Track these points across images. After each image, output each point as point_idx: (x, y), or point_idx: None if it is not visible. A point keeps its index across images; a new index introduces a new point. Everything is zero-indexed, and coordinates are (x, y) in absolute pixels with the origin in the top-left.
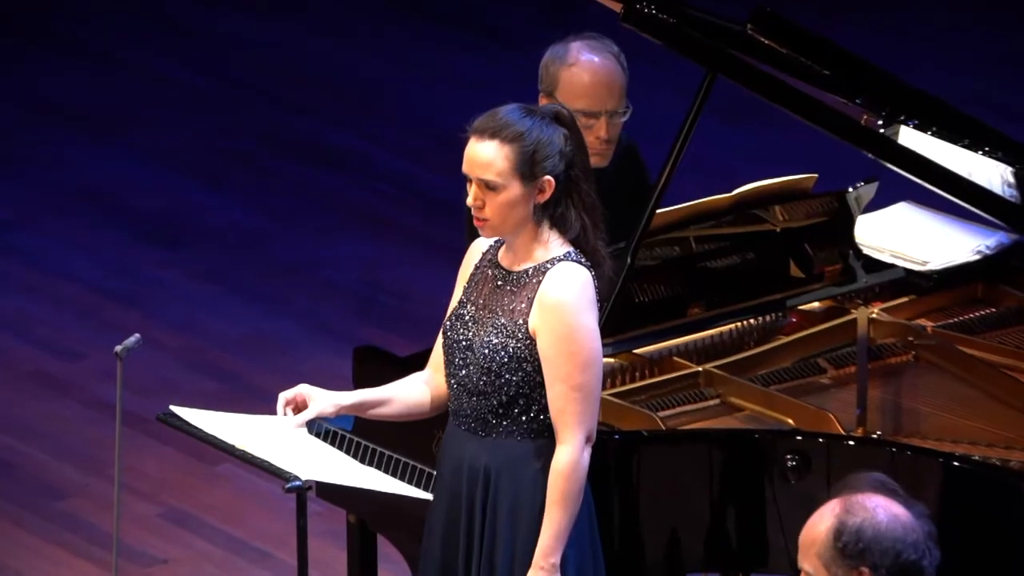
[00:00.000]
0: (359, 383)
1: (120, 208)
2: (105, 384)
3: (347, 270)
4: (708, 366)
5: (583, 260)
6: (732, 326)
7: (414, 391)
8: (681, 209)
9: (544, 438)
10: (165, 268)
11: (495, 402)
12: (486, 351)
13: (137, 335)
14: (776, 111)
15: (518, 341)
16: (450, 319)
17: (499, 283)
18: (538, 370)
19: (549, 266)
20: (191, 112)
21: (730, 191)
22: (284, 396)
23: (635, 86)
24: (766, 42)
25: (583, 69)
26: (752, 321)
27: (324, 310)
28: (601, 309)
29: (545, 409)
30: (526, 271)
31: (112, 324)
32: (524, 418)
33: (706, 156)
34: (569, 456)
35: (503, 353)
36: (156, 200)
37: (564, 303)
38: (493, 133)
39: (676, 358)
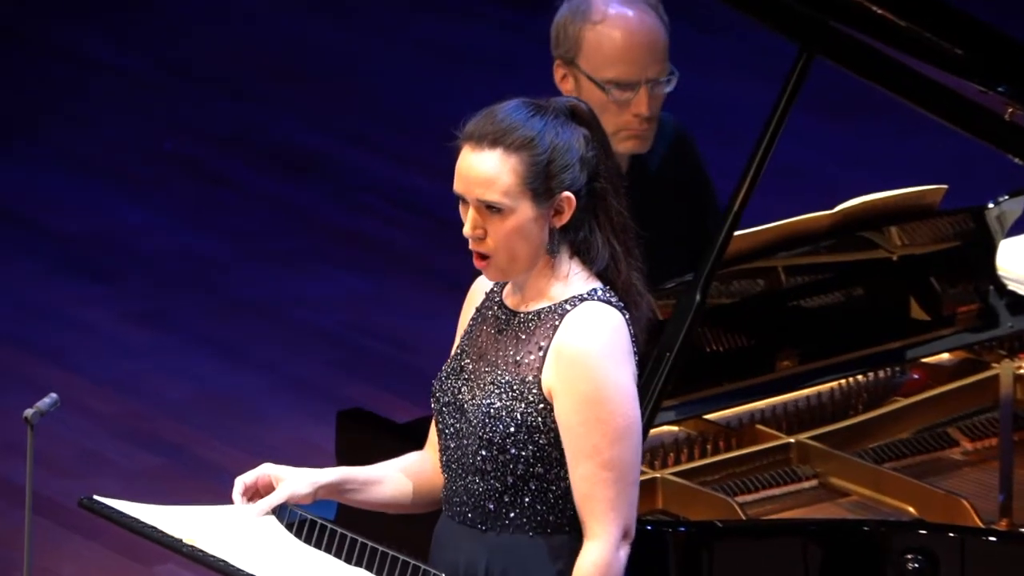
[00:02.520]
0: (344, 458)
1: (31, 230)
2: (11, 459)
3: (327, 310)
4: (802, 437)
5: (613, 299)
6: (834, 385)
7: (414, 473)
8: (767, 231)
9: (564, 533)
10: (90, 307)
11: (498, 485)
12: (485, 417)
13: (54, 395)
14: (892, 103)
15: (528, 405)
16: (440, 375)
17: (502, 328)
18: (554, 443)
19: (568, 307)
20: (125, 107)
21: (831, 207)
22: (242, 480)
23: (698, 66)
24: (878, 12)
25: (614, 26)
26: (861, 378)
27: (297, 362)
28: (641, 365)
29: (565, 495)
30: (538, 313)
31: (21, 380)
32: (537, 507)
33: (799, 162)
34: (599, 556)
35: (508, 420)
36: (78, 220)
37: (589, 354)
38: (495, 140)
39: (760, 426)
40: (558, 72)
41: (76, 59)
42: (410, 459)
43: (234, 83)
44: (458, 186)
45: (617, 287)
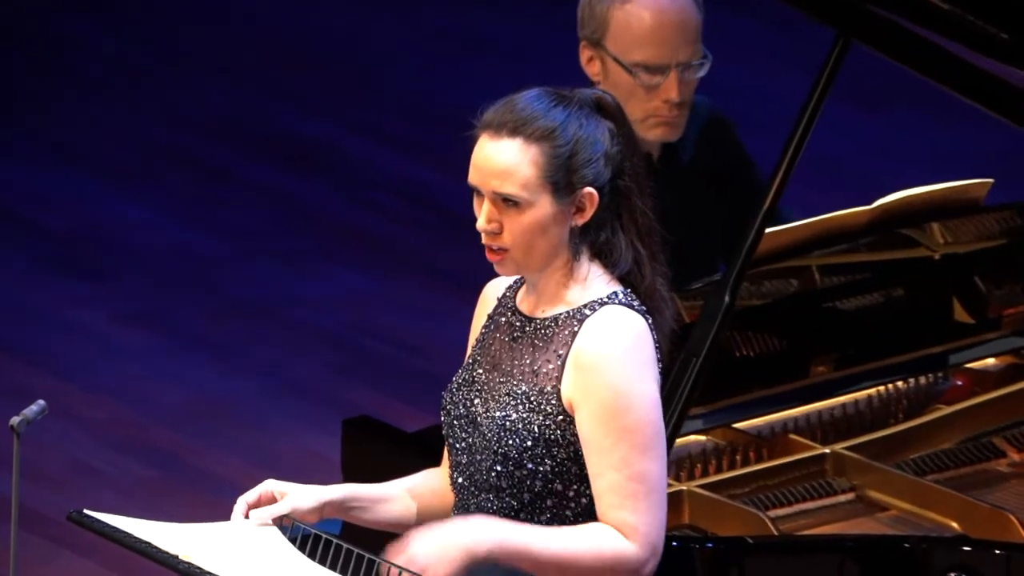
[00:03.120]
0: (350, 468)
1: (18, 226)
2: None
3: (331, 310)
4: (838, 447)
5: (635, 303)
6: (872, 392)
7: (428, 491)
8: (801, 227)
9: None
10: (81, 308)
11: (514, 503)
12: (500, 431)
13: (42, 402)
14: (934, 91)
15: (546, 417)
16: (451, 386)
17: (517, 335)
18: (574, 458)
19: (588, 312)
20: (117, 95)
21: (869, 202)
22: (245, 500)
23: (730, 49)
24: None
25: (643, 6)
26: (901, 385)
27: (299, 366)
28: (665, 375)
29: (584, 514)
30: (555, 318)
31: (6, 385)
32: (557, 526)
33: (835, 154)
34: (635, 553)
35: (525, 433)
36: (67, 215)
37: (610, 361)
38: (514, 128)
39: (793, 436)
40: (584, 54)
41: (66, 45)
42: (423, 477)
43: (233, 69)
44: (473, 177)
45: (640, 292)
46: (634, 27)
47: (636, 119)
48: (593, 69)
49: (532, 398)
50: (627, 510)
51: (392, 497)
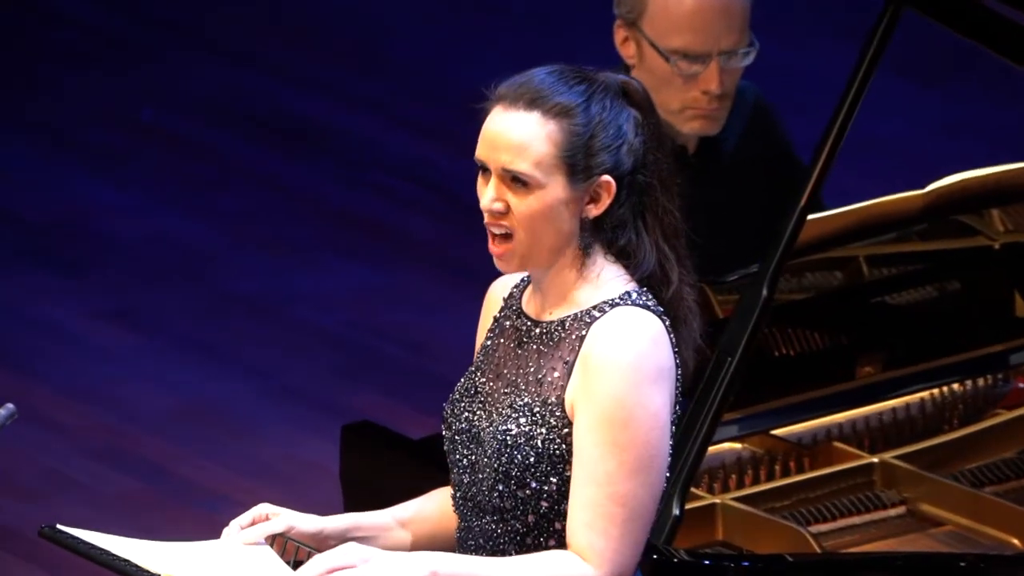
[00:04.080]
0: (349, 478)
1: None
2: None
3: (332, 307)
4: (887, 456)
5: (651, 303)
6: (925, 395)
7: (437, 512)
8: (847, 214)
9: None
10: (57, 303)
11: (519, 526)
12: (501, 446)
13: (11, 406)
14: (994, 64)
15: (550, 430)
16: (452, 396)
17: (522, 340)
18: None
19: (597, 313)
20: (99, 69)
21: (921, 187)
22: (238, 523)
23: (766, 22)
24: None
25: None
26: (956, 387)
27: (297, 368)
28: (688, 392)
29: None
30: (563, 322)
31: None
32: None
33: (886, 135)
34: None
35: (527, 449)
36: (39, 201)
37: (616, 365)
38: (532, 101)
39: (838, 444)
40: (619, 34)
41: (37, 11)
42: (432, 498)
43: (223, 42)
44: (481, 151)
45: (664, 299)
46: (673, 10)
47: (672, 109)
48: (628, 51)
49: (535, 410)
50: (597, 532)
51: (397, 524)
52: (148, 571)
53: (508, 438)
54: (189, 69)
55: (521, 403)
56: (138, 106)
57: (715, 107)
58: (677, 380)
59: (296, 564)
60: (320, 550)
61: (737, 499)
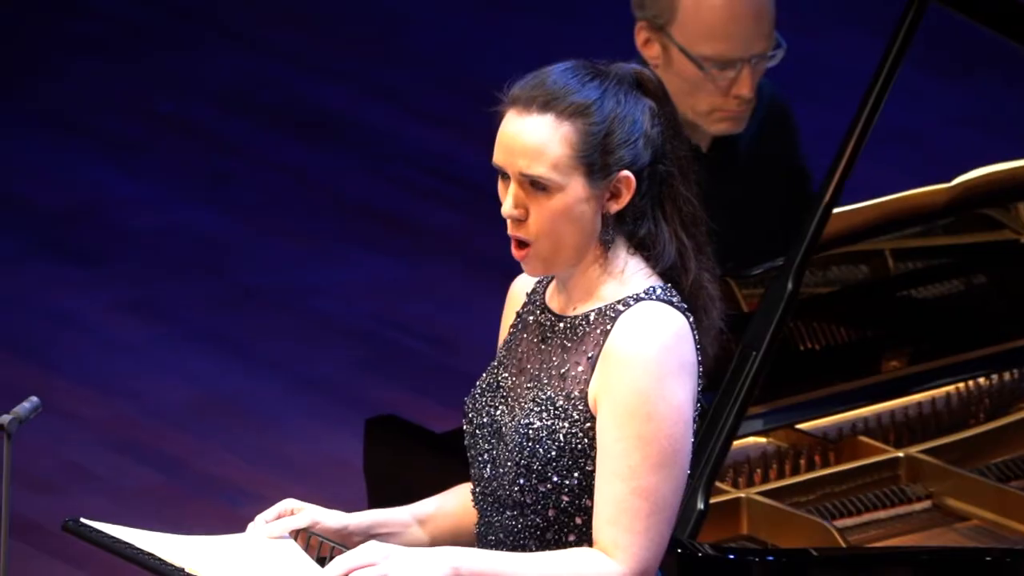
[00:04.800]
0: (374, 472)
1: (5, 204)
2: None
3: (352, 300)
4: (913, 450)
5: (675, 299)
6: (951, 389)
7: (461, 507)
8: (872, 208)
9: None
10: (76, 296)
11: (539, 521)
12: (523, 440)
13: (35, 399)
14: (1022, 58)
15: (572, 424)
16: (474, 391)
17: (546, 335)
18: None
19: (622, 308)
20: (115, 58)
21: (948, 180)
22: (263, 518)
23: (790, 14)
24: None
25: None
26: (983, 381)
27: (318, 361)
28: (711, 380)
29: None
30: (587, 316)
31: None
32: (585, 546)
33: (912, 127)
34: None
35: (549, 443)
36: (57, 192)
37: (640, 360)
38: (545, 104)
39: (863, 438)
40: (640, 35)
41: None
42: (456, 492)
43: (241, 31)
44: (498, 157)
45: (684, 288)
46: (706, 18)
47: (701, 111)
48: (651, 52)
49: (558, 404)
50: (622, 527)
51: (417, 521)
52: (173, 565)
53: (530, 432)
54: (208, 59)
55: (544, 397)
56: (155, 95)
57: (744, 109)
58: (699, 375)
59: (320, 559)
60: (344, 545)
61: (762, 493)
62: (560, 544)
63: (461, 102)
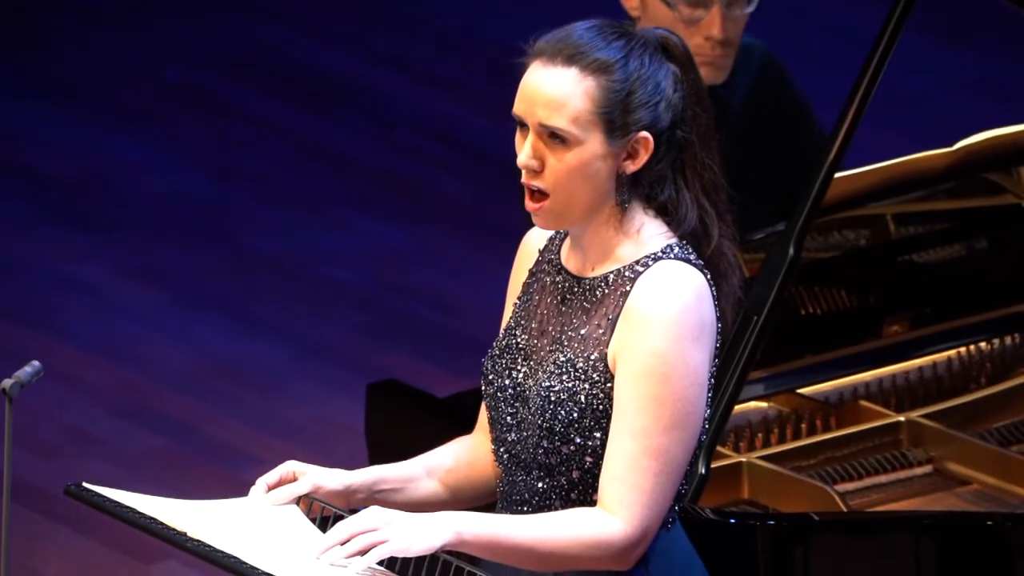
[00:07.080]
0: (375, 436)
1: (12, 171)
2: None
3: (356, 266)
4: (914, 415)
5: (692, 257)
6: (952, 354)
7: (461, 463)
8: (874, 172)
9: None
10: (80, 262)
11: (563, 481)
12: (545, 403)
13: (36, 363)
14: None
15: (593, 385)
16: (492, 352)
17: (566, 296)
18: None
19: (640, 268)
20: (119, 25)
21: (950, 144)
22: (264, 481)
23: None
24: None
25: None
26: (984, 346)
27: (322, 326)
28: (728, 349)
29: None
30: (605, 278)
31: None
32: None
33: (914, 91)
34: (620, 535)
35: (571, 405)
36: (69, 161)
37: (659, 320)
38: (571, 57)
39: (864, 402)
40: None
41: None
42: (454, 448)
43: None
44: (519, 107)
45: (704, 254)
46: None
47: None
48: (631, 3)
49: (578, 366)
50: (628, 485)
51: (424, 473)
52: (175, 529)
53: (552, 394)
54: (214, 25)
55: (564, 359)
56: (162, 63)
57: (719, 53)
58: (717, 336)
59: (323, 521)
60: (346, 508)
61: (763, 458)
62: (586, 503)
63: (468, 69)
